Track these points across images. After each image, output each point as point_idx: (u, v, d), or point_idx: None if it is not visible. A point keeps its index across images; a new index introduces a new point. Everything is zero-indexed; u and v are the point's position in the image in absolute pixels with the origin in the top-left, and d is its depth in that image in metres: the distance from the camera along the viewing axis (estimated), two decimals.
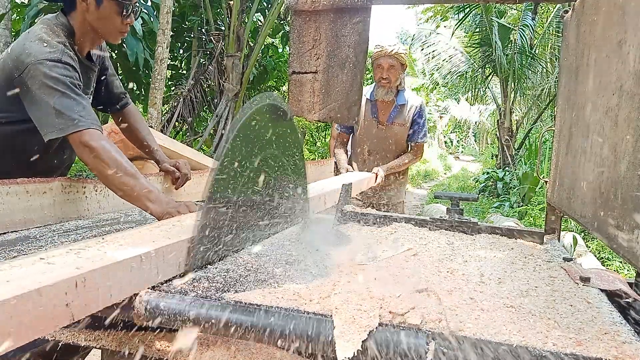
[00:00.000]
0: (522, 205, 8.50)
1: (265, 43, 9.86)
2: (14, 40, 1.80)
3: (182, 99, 8.95)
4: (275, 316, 0.80)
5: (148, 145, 2.07)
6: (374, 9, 1.63)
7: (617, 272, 2.94)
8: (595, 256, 4.87)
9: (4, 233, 1.43)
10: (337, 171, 3.33)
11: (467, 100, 20.07)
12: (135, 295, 0.87)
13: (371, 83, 3.28)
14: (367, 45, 1.65)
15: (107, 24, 1.72)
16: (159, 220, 1.38)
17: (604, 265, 4.65)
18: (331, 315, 0.79)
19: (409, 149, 3.34)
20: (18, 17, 7.45)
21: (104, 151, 1.48)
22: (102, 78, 1.96)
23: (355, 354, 0.72)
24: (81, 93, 1.59)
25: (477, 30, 11.24)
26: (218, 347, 0.94)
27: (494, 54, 10.63)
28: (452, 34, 12.96)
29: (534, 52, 11.15)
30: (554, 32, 10.84)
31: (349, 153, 3.44)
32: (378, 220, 1.69)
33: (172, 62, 10.03)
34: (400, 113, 3.17)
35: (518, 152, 11.77)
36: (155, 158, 2.09)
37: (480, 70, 11.97)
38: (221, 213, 1.07)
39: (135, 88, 8.15)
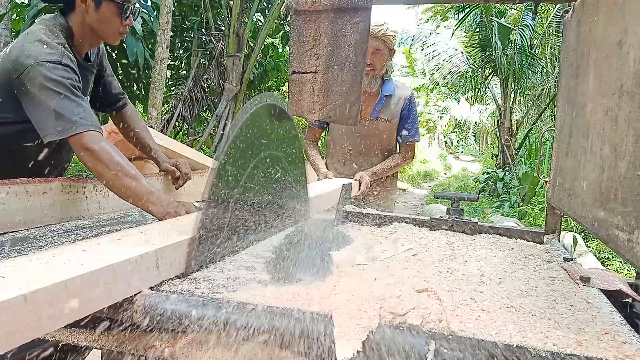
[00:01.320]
0: (522, 205, 8.49)
1: (265, 43, 9.85)
2: (14, 40, 1.80)
3: (182, 99, 8.95)
4: (275, 316, 0.80)
5: (147, 146, 2.07)
6: (374, 9, 1.63)
7: (617, 272, 2.94)
8: (595, 256, 4.87)
9: (4, 233, 1.43)
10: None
11: (467, 100, 20.05)
12: (135, 295, 0.87)
13: None
14: (367, 45, 1.65)
15: (106, 25, 1.72)
16: (159, 221, 1.38)
17: (604, 265, 4.65)
18: (331, 316, 0.79)
19: (398, 149, 2.82)
20: (18, 17, 7.45)
21: (104, 153, 1.48)
22: (99, 79, 1.95)
23: (355, 354, 0.72)
24: (81, 95, 1.58)
25: (477, 30, 11.23)
26: (218, 348, 0.94)
27: (494, 54, 10.62)
28: (452, 34, 12.95)
29: (534, 52, 11.13)
30: (554, 32, 10.83)
31: (326, 152, 2.96)
32: (378, 220, 1.69)
33: (172, 62, 10.02)
34: (386, 106, 2.68)
35: (518, 152, 11.76)
36: (155, 158, 2.09)
37: (480, 70, 11.96)
38: (221, 213, 1.07)
39: (135, 88, 8.14)
